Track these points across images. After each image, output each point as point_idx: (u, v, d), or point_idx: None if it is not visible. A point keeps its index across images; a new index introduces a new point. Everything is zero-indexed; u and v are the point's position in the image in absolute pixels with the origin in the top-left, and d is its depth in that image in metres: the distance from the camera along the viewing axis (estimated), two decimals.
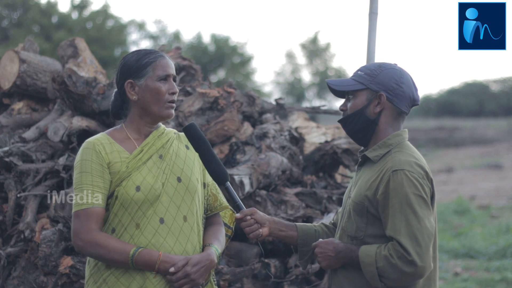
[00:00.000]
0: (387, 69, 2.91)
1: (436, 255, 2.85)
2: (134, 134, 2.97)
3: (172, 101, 2.96)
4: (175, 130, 3.09)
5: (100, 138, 2.95)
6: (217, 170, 2.94)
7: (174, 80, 2.99)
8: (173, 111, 2.97)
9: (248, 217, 2.96)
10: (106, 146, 2.91)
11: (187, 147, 3.04)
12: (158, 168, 2.92)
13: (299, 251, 3.07)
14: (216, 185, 3.07)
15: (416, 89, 2.95)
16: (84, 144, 2.94)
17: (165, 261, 2.82)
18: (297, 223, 3.09)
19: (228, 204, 3.13)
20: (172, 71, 2.97)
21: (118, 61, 2.98)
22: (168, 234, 2.88)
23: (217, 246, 2.98)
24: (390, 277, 2.75)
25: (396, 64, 2.96)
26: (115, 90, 3.03)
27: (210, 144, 2.97)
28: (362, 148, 3.02)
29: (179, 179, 2.94)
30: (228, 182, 2.95)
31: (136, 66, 2.93)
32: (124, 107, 2.99)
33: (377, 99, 2.89)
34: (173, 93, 2.95)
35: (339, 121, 2.99)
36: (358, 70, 2.97)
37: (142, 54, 2.96)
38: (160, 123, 3.04)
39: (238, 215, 2.96)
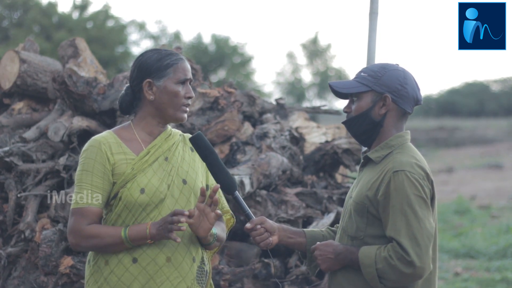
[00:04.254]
0: (391, 70, 2.91)
1: (436, 256, 2.86)
2: (142, 134, 2.95)
3: (187, 105, 2.96)
4: (180, 132, 3.07)
5: (107, 137, 2.92)
6: (225, 180, 2.92)
7: (190, 84, 2.99)
8: (186, 116, 2.97)
9: (258, 226, 2.96)
10: (112, 146, 2.90)
11: (192, 150, 3.03)
12: (164, 170, 2.91)
13: (308, 257, 3.06)
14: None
15: (418, 89, 2.95)
16: (90, 142, 2.92)
17: (154, 226, 2.79)
18: (305, 229, 3.08)
19: (229, 209, 3.12)
20: (190, 75, 2.97)
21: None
22: None
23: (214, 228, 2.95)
24: (390, 278, 2.76)
25: (398, 65, 2.96)
26: (127, 85, 3.01)
27: (217, 153, 2.95)
28: (365, 148, 3.02)
29: (184, 181, 2.93)
30: (237, 192, 2.94)
31: (157, 66, 2.91)
32: (135, 104, 2.97)
33: (382, 101, 2.89)
34: (189, 98, 2.96)
35: (344, 123, 2.98)
36: (361, 71, 2.96)
37: (164, 54, 2.94)
38: (168, 125, 3.03)
39: (248, 225, 2.95)
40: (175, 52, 2.99)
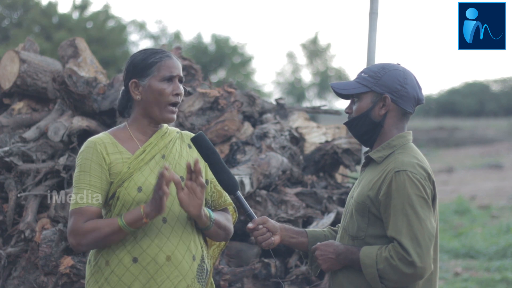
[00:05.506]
0: (391, 70, 2.91)
1: (436, 256, 2.86)
2: (137, 134, 2.95)
3: (175, 103, 2.93)
4: (177, 129, 3.07)
5: (103, 137, 2.93)
6: (227, 180, 2.91)
7: (181, 81, 2.96)
8: (174, 116, 2.95)
9: (260, 226, 2.95)
10: (108, 146, 2.90)
11: (189, 146, 3.03)
12: (161, 168, 2.91)
13: (309, 257, 3.06)
14: None
15: (420, 88, 2.95)
16: (86, 143, 2.93)
17: (147, 205, 2.78)
18: (307, 229, 3.08)
19: (231, 201, 3.12)
20: (178, 71, 2.94)
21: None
22: (172, 233, 2.88)
23: (212, 212, 2.94)
24: (391, 278, 2.76)
25: (399, 64, 2.95)
26: (123, 88, 3.01)
27: (218, 153, 2.94)
28: (366, 148, 3.02)
29: (182, 178, 2.93)
30: (239, 192, 2.93)
31: (142, 65, 2.91)
32: (129, 105, 2.98)
33: (381, 102, 2.89)
34: (177, 95, 2.92)
35: (345, 124, 2.99)
36: (362, 72, 2.96)
37: (149, 53, 2.94)
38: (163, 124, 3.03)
39: (250, 225, 2.94)
40: (162, 50, 2.97)
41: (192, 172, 2.80)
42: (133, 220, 2.79)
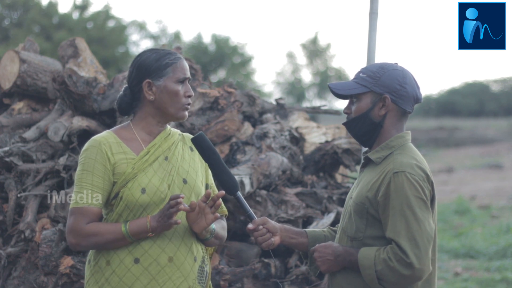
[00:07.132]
0: (389, 70, 2.90)
1: (435, 257, 2.86)
2: (142, 134, 2.95)
3: (188, 104, 2.96)
4: (179, 131, 3.07)
5: (107, 136, 2.92)
6: (227, 181, 2.91)
7: (189, 83, 2.99)
8: (187, 113, 2.97)
9: (261, 227, 2.95)
10: (113, 146, 2.90)
11: (191, 149, 3.03)
12: (164, 170, 2.91)
13: (309, 257, 3.06)
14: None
15: (418, 88, 2.94)
16: (90, 142, 2.92)
17: (154, 219, 2.81)
18: (307, 230, 3.08)
19: (226, 210, 3.13)
20: (189, 74, 2.98)
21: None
22: (174, 235, 2.88)
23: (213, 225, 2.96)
24: (389, 280, 2.76)
25: (397, 64, 2.95)
26: (125, 85, 3.01)
27: (219, 154, 2.95)
28: (366, 149, 3.02)
29: (184, 181, 2.93)
30: (239, 192, 2.93)
31: (156, 66, 2.91)
32: (134, 104, 2.97)
33: (381, 102, 2.88)
34: (189, 96, 2.96)
35: (344, 124, 2.98)
36: (360, 72, 2.95)
37: (162, 54, 2.94)
38: (167, 124, 3.03)
39: (250, 225, 2.94)
40: (173, 51, 2.99)
41: (211, 200, 2.84)
42: (138, 232, 2.82)
